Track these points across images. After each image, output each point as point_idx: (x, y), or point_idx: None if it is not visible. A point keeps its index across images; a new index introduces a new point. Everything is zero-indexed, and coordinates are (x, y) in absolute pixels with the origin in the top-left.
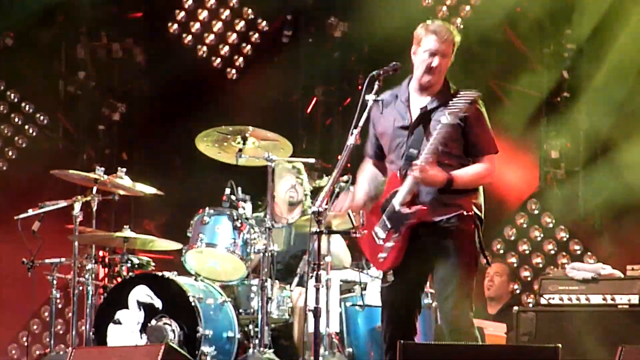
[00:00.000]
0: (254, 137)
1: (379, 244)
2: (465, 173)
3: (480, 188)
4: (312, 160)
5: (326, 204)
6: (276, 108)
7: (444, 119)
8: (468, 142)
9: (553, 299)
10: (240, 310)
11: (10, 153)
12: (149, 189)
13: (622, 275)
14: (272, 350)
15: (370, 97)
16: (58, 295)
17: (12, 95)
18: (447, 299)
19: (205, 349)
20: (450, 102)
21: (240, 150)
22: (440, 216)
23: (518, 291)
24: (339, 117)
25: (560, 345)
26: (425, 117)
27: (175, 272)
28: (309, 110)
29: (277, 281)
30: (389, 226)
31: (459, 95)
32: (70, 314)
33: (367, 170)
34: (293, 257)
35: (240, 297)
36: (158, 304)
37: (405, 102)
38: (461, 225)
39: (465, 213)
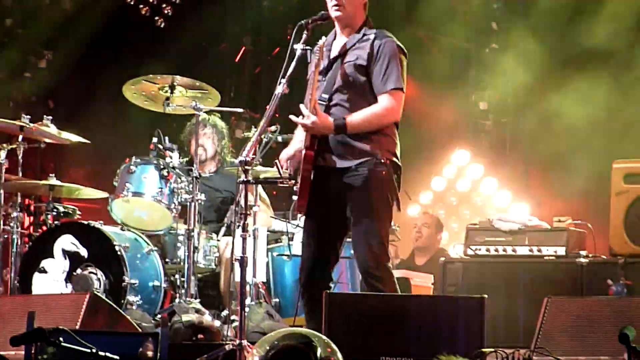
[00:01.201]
0: (182, 85)
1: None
2: (360, 115)
3: (395, 134)
4: (240, 110)
5: (254, 153)
6: (204, 57)
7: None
8: (370, 79)
9: (480, 249)
10: (167, 260)
11: None
12: (75, 137)
13: (549, 227)
14: (198, 300)
15: (298, 47)
16: None
17: None
18: (360, 245)
19: (130, 298)
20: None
21: (167, 98)
22: (348, 162)
23: (446, 242)
24: (268, 67)
25: (486, 295)
26: (338, 60)
27: (101, 221)
28: (237, 59)
29: (204, 230)
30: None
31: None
32: None
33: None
34: (222, 202)
35: (167, 246)
36: (84, 252)
37: (328, 45)
38: (372, 172)
39: (376, 160)
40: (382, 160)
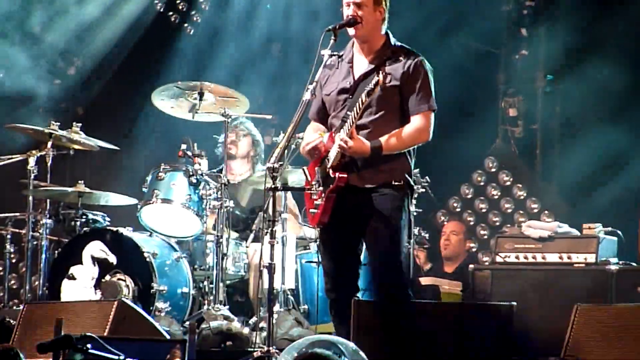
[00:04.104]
0: (212, 92)
1: (313, 198)
2: (395, 137)
3: (410, 153)
4: (268, 117)
5: (281, 160)
6: (234, 63)
7: (362, 97)
8: (404, 100)
9: (509, 257)
10: (196, 266)
11: None
12: (104, 144)
13: (579, 234)
14: (227, 306)
15: (325, 52)
16: (12, 250)
17: None
18: (378, 268)
19: (159, 304)
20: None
21: (194, 105)
22: (369, 183)
23: (475, 249)
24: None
25: (515, 303)
26: (364, 79)
27: (131, 228)
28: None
29: (232, 237)
30: (320, 184)
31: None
32: (24, 269)
33: (312, 127)
34: (251, 212)
35: (195, 253)
36: (112, 259)
37: (349, 63)
38: (389, 192)
39: (394, 182)
40: (399, 182)
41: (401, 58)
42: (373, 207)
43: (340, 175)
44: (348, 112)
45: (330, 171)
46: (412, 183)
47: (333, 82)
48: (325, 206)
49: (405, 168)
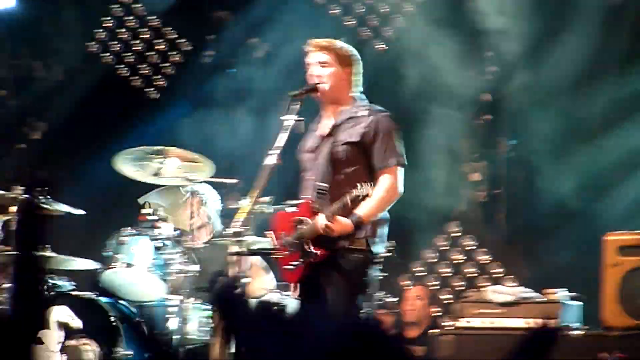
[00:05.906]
0: (176, 156)
1: (287, 255)
2: (371, 204)
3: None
4: (234, 181)
5: (246, 224)
6: (199, 127)
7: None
8: (367, 156)
9: (473, 322)
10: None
11: None
12: (68, 209)
13: (543, 299)
14: None
15: (288, 117)
16: None
17: None
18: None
19: None
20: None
21: (158, 169)
22: (333, 246)
23: (438, 314)
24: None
25: None
26: (326, 140)
27: (96, 292)
28: None
29: (197, 301)
30: (296, 249)
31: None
32: None
33: None
34: (215, 276)
35: (159, 317)
36: (77, 323)
37: (317, 124)
38: (349, 257)
39: (354, 247)
40: (358, 247)
41: (364, 115)
42: (331, 268)
43: (322, 252)
44: (322, 185)
45: (310, 245)
46: (372, 249)
47: (306, 142)
48: (303, 270)
49: (370, 235)
